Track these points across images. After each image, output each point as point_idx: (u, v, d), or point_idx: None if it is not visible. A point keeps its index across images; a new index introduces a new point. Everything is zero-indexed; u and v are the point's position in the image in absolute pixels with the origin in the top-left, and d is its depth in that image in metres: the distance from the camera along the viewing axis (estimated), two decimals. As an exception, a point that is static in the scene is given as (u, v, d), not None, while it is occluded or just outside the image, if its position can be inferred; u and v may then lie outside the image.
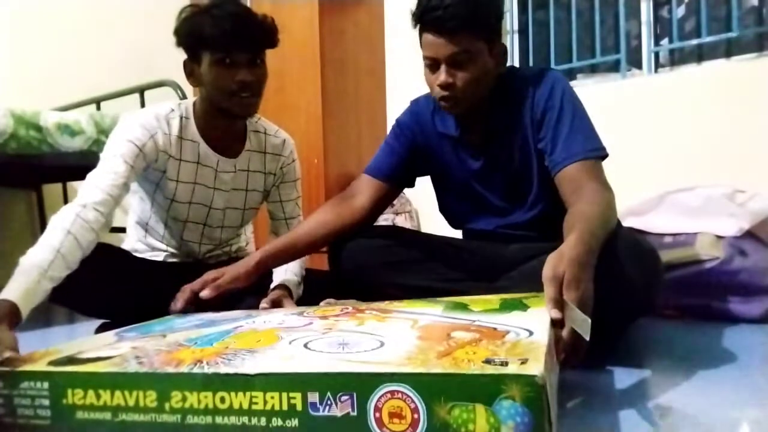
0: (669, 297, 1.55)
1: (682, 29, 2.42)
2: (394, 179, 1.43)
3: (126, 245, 1.56)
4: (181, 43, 1.33)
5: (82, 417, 0.71)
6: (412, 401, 0.59)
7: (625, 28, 2.51)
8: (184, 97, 2.08)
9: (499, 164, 1.32)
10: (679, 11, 2.42)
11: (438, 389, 0.59)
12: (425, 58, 1.24)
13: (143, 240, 1.53)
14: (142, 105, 2.22)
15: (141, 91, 2.27)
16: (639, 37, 2.52)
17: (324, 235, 1.35)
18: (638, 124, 2.26)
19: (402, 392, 0.60)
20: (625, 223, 1.43)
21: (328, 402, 0.62)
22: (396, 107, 3.15)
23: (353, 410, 0.61)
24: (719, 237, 1.51)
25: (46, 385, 0.73)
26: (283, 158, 1.54)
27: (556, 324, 0.82)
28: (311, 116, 2.81)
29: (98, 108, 2.42)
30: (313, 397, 0.62)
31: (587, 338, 0.80)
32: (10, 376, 0.75)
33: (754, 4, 2.29)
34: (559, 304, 0.83)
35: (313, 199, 2.81)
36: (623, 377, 1.04)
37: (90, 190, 1.22)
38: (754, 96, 2.06)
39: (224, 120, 1.38)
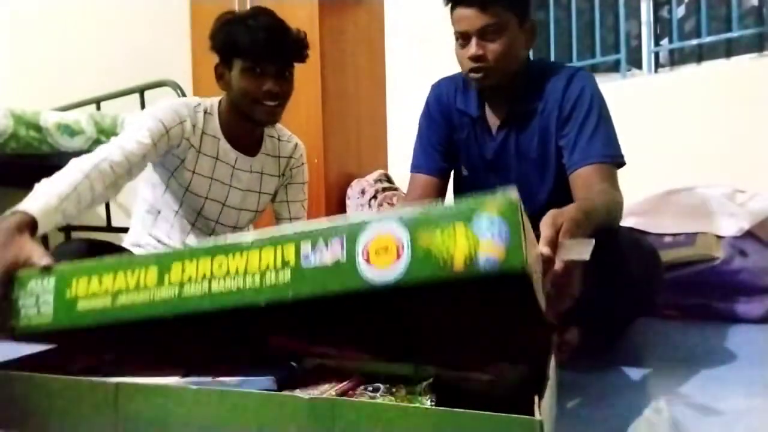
0: (669, 297, 1.55)
1: (682, 29, 2.42)
2: (441, 171, 1.45)
3: (128, 240, 1.55)
4: (214, 47, 1.37)
5: (83, 308, 0.74)
6: (397, 237, 0.61)
7: (625, 28, 2.51)
8: (184, 96, 2.08)
9: (515, 148, 1.33)
10: (679, 11, 2.42)
11: (423, 219, 0.61)
12: (456, 33, 1.26)
13: (150, 230, 1.52)
14: (142, 105, 2.22)
15: (141, 91, 2.27)
16: (639, 37, 2.52)
17: None
18: (638, 124, 2.26)
19: (388, 230, 0.62)
20: (625, 223, 1.43)
21: (320, 249, 0.64)
22: (396, 107, 3.15)
23: (342, 256, 0.63)
24: (719, 237, 1.51)
25: (53, 280, 0.76)
26: (293, 160, 1.57)
27: (547, 263, 0.83)
28: (311, 116, 2.81)
29: (98, 108, 2.42)
30: (306, 248, 0.64)
31: (587, 258, 0.82)
32: (24, 277, 0.79)
33: (754, 4, 2.29)
34: (553, 244, 0.84)
35: (313, 198, 2.80)
36: (623, 377, 1.04)
37: (112, 149, 1.24)
38: (754, 96, 2.06)
39: (246, 123, 1.42)
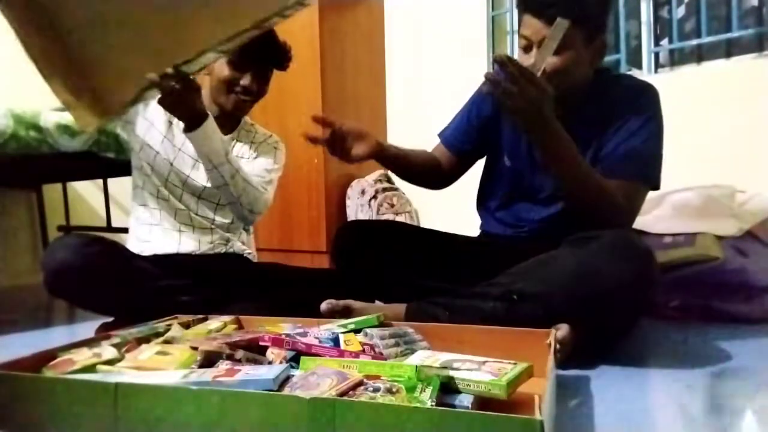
0: (669, 297, 1.55)
1: (682, 29, 2.42)
2: (458, 150, 1.49)
3: (131, 237, 1.57)
4: None
5: None
6: None
7: (625, 28, 2.51)
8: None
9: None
10: (679, 11, 2.42)
11: None
12: (521, 37, 1.25)
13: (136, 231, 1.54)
14: (142, 105, 2.22)
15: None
16: (639, 37, 2.51)
17: (427, 163, 1.49)
18: (638, 124, 2.25)
19: None
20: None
21: None
22: (396, 107, 3.15)
23: None
24: (719, 237, 1.51)
25: None
26: (266, 145, 1.63)
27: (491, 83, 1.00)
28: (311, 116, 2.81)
29: (98, 108, 2.41)
30: None
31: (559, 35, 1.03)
32: None
33: (754, 4, 2.29)
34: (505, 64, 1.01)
35: (313, 199, 2.81)
36: (623, 377, 1.04)
37: None
38: (754, 96, 2.06)
39: (219, 111, 1.51)
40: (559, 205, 1.33)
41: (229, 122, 1.58)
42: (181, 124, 1.35)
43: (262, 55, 1.44)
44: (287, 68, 1.53)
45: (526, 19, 1.22)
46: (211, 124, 1.36)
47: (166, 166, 1.51)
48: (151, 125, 1.50)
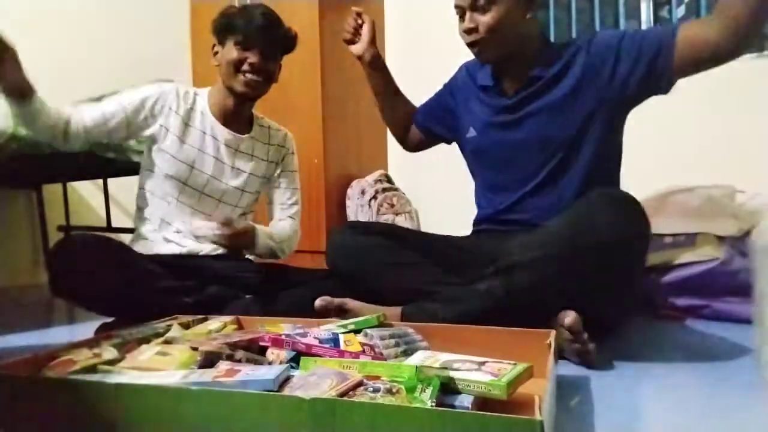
0: (669, 297, 1.55)
1: (682, 29, 2.42)
2: (426, 128, 1.61)
3: (136, 237, 1.56)
4: (214, 30, 1.51)
5: None
6: None
7: (625, 28, 2.51)
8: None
9: (529, 118, 1.34)
10: (679, 11, 2.42)
11: None
12: (455, 8, 1.31)
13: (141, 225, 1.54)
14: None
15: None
16: (639, 37, 2.52)
17: (406, 116, 1.66)
18: (638, 124, 2.26)
19: None
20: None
21: None
22: (396, 107, 3.14)
23: None
24: (719, 237, 1.51)
25: None
26: (284, 149, 1.69)
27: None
28: (311, 116, 2.81)
29: (98, 108, 2.41)
30: None
31: None
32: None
33: (754, 5, 2.29)
34: None
35: (313, 199, 2.81)
36: (623, 377, 1.04)
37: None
38: (754, 96, 2.06)
39: (233, 100, 1.52)
40: (540, 178, 1.34)
41: (245, 118, 1.60)
42: (216, 132, 1.50)
43: (269, 34, 1.47)
44: (293, 49, 1.56)
45: None
46: (261, 236, 1.54)
47: (184, 170, 1.50)
48: (167, 131, 1.49)
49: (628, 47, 1.24)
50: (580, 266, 1.05)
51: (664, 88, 1.24)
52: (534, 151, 1.34)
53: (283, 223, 1.66)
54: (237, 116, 1.57)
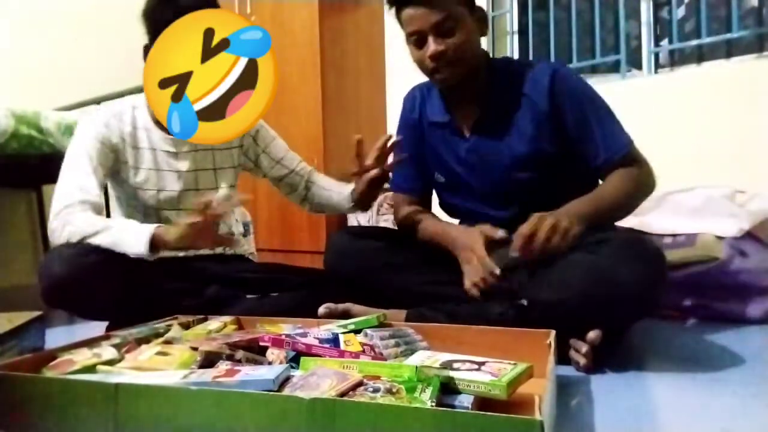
0: (669, 297, 1.55)
1: (682, 30, 2.42)
2: (417, 188, 1.47)
3: None
4: (145, 28, 1.47)
5: None
6: None
7: (625, 29, 2.51)
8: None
9: (491, 147, 1.30)
10: (679, 12, 2.42)
11: None
12: (410, 34, 1.24)
13: None
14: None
15: (142, 91, 2.26)
16: (639, 37, 2.51)
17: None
18: (638, 124, 2.25)
19: None
20: (625, 224, 1.43)
21: None
22: (396, 107, 3.13)
23: None
24: (719, 238, 1.51)
25: None
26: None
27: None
28: (311, 116, 2.81)
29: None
30: None
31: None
32: None
33: (754, 5, 2.29)
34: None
35: (313, 199, 2.80)
36: (623, 377, 1.04)
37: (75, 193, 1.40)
38: (754, 96, 2.06)
39: None
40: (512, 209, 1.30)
41: None
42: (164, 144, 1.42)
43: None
44: None
45: (409, 13, 1.21)
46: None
47: (150, 196, 1.45)
48: (125, 163, 1.45)
49: (581, 119, 1.24)
50: (605, 308, 1.03)
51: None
52: (506, 184, 1.30)
53: (317, 175, 1.64)
54: None
